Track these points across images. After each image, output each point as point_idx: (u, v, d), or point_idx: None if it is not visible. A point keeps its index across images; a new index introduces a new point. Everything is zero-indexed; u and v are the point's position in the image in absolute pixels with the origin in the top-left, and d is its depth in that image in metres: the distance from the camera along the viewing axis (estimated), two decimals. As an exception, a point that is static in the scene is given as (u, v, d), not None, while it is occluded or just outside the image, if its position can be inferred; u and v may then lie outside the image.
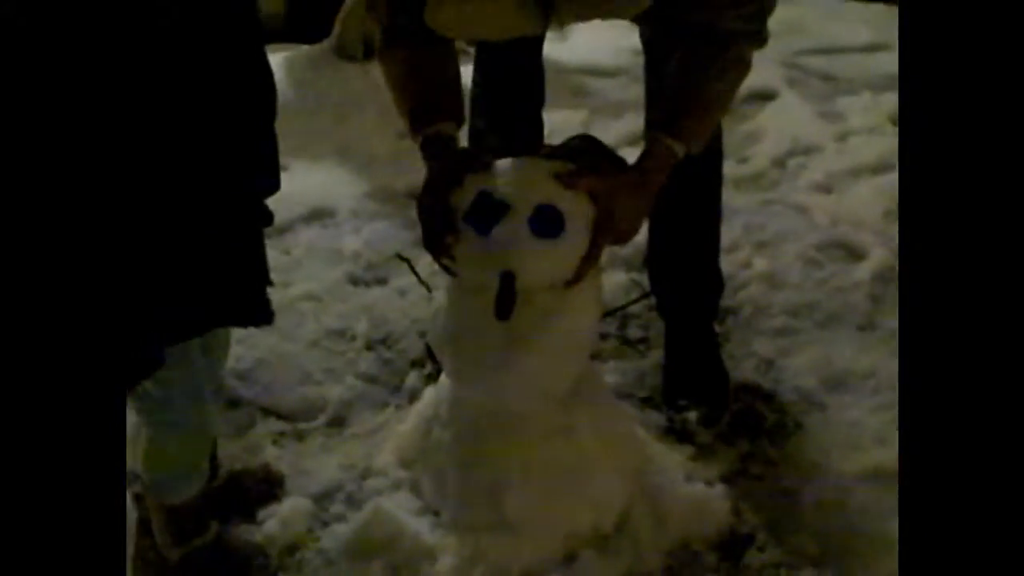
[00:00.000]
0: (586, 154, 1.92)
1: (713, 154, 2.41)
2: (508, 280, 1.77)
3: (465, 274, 1.90)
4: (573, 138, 2.03)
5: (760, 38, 1.87)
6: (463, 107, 2.00)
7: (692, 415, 2.36)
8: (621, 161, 1.93)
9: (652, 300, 2.64)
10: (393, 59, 1.93)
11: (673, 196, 2.39)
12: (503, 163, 1.89)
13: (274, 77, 1.73)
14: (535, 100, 2.76)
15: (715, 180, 2.42)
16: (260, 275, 1.85)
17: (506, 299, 1.77)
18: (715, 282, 2.52)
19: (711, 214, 2.46)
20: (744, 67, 1.89)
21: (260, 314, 1.86)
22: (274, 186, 1.80)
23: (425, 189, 1.87)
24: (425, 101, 1.91)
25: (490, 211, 1.81)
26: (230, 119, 1.64)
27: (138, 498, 2.03)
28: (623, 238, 1.89)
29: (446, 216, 1.84)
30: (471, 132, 2.55)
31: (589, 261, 1.83)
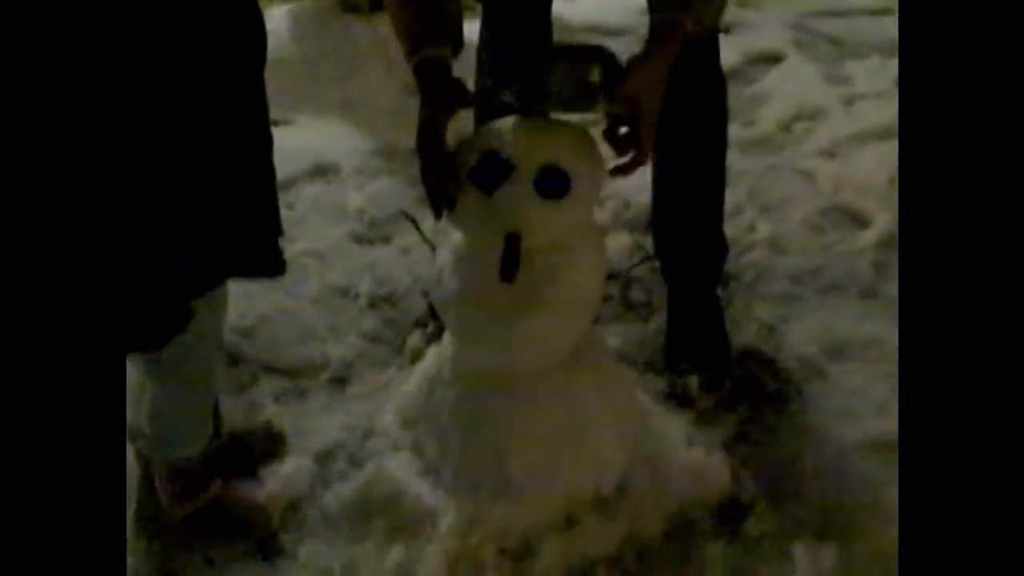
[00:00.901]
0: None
1: (719, 117, 2.40)
2: (513, 241, 1.77)
3: (469, 233, 1.90)
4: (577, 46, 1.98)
5: None
6: (461, 34, 1.97)
7: (693, 380, 2.36)
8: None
9: (655, 264, 2.64)
10: None
11: (678, 159, 2.40)
12: (510, 122, 1.88)
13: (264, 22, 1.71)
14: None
15: (720, 143, 2.42)
16: (272, 224, 1.85)
17: (511, 261, 1.77)
18: (719, 246, 2.52)
19: (716, 177, 2.45)
20: None
21: (273, 264, 1.85)
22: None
23: (421, 120, 1.82)
24: (422, 24, 1.87)
25: (495, 171, 1.81)
26: (226, 67, 1.63)
27: (140, 456, 2.04)
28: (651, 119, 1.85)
29: (448, 163, 1.82)
30: (478, 91, 2.53)
31: (642, 144, 1.82)
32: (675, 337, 2.47)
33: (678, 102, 2.35)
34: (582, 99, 1.79)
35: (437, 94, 1.82)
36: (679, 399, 2.33)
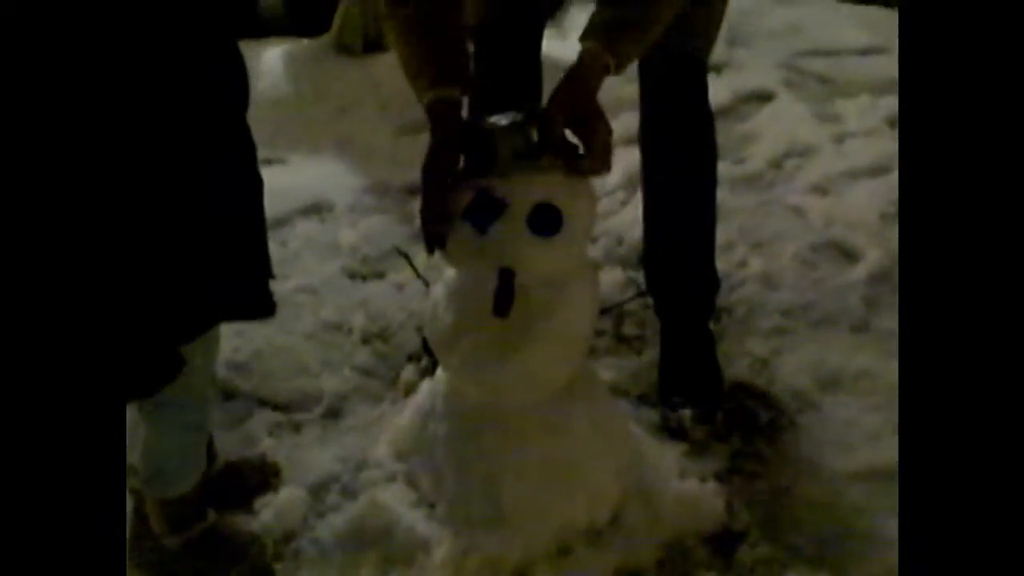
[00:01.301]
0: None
1: (708, 153, 2.42)
2: (507, 277, 1.78)
3: (462, 271, 1.91)
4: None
5: None
6: (468, 70, 1.99)
7: (687, 413, 2.36)
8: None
9: (648, 298, 2.65)
10: (397, 20, 1.91)
11: (669, 195, 2.42)
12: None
13: (244, 63, 1.72)
14: (532, 98, 2.76)
15: (711, 180, 2.44)
16: (262, 267, 1.86)
17: (505, 296, 1.78)
18: (710, 281, 2.53)
19: (707, 214, 2.47)
20: None
21: (263, 307, 1.86)
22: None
23: (431, 151, 1.84)
24: (433, 64, 1.88)
25: (489, 208, 1.82)
26: (211, 112, 1.65)
27: (133, 491, 2.04)
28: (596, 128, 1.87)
29: (445, 202, 1.83)
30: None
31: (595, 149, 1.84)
32: (668, 371, 2.48)
33: (667, 138, 2.38)
34: (528, 157, 1.83)
35: (446, 134, 1.84)
36: (672, 431, 2.34)
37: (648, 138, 2.40)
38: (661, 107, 2.31)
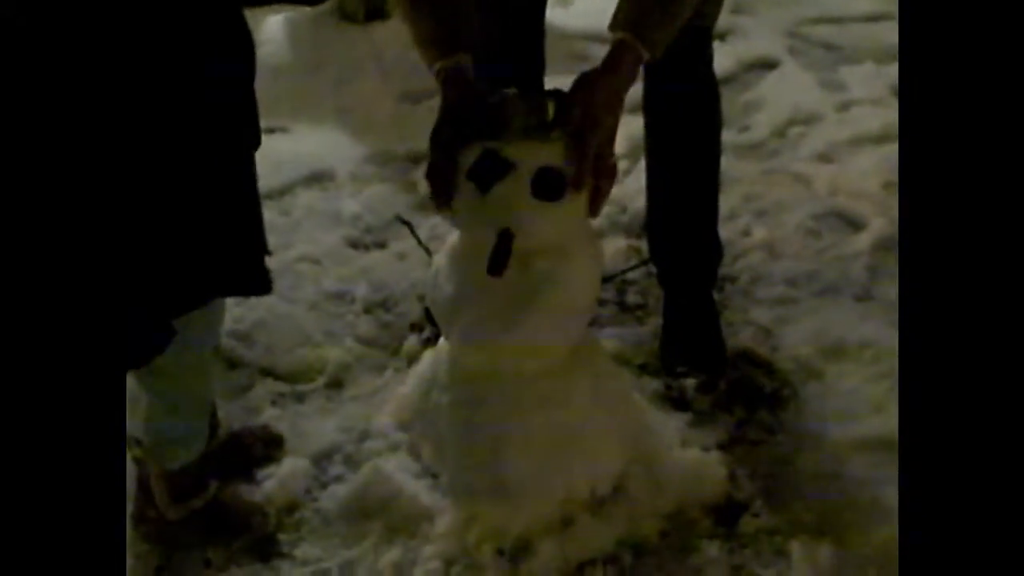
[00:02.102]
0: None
1: (713, 121, 2.41)
2: (505, 237, 1.78)
3: (464, 230, 1.92)
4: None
5: None
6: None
7: (689, 382, 2.37)
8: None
9: (651, 267, 2.65)
10: None
11: (673, 163, 2.40)
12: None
13: (252, 39, 1.71)
14: (535, 67, 2.74)
15: (714, 147, 2.42)
16: (258, 243, 1.85)
17: (500, 255, 1.77)
18: (714, 249, 2.52)
19: (709, 181, 2.46)
20: None
21: (259, 283, 1.86)
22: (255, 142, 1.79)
23: (442, 115, 1.84)
24: (440, 30, 1.88)
25: (493, 169, 1.82)
26: (215, 84, 1.63)
27: (137, 461, 2.04)
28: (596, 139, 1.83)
29: (453, 164, 1.82)
30: None
31: (582, 160, 1.79)
32: (670, 339, 2.48)
33: (671, 107, 2.37)
34: (538, 129, 1.82)
35: (456, 100, 1.84)
36: (675, 401, 2.34)
37: (652, 106, 2.39)
38: (666, 75, 2.29)
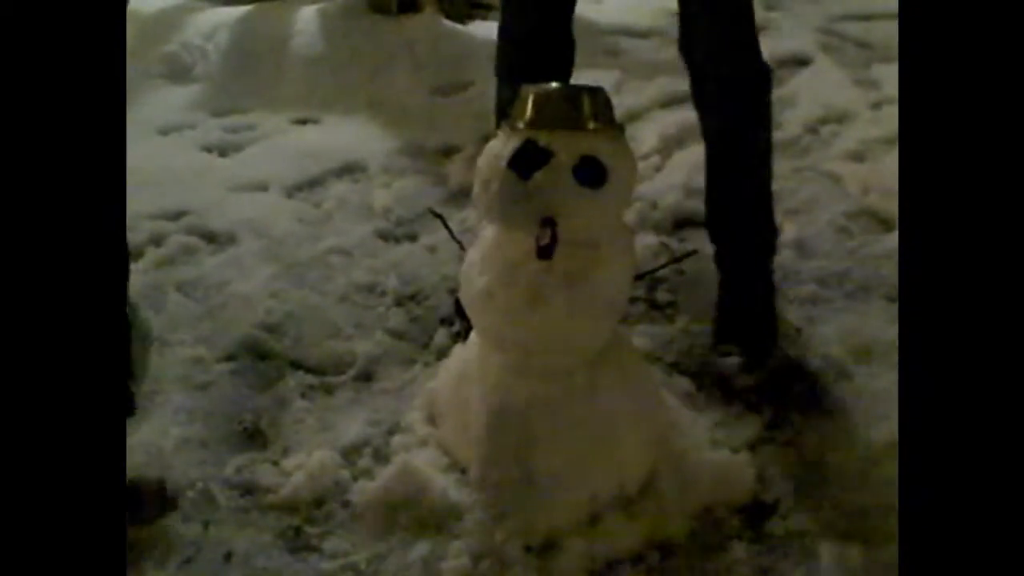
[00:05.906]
0: None
1: (766, 103, 2.52)
2: (550, 223, 1.79)
3: (504, 220, 1.92)
4: None
5: None
6: None
7: (734, 361, 2.39)
8: None
9: (681, 265, 2.65)
10: None
11: (730, 141, 2.49)
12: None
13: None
14: (563, 67, 2.71)
15: (767, 129, 2.54)
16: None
17: (549, 239, 1.79)
18: (770, 222, 2.56)
19: (765, 157, 2.54)
20: None
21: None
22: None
23: None
24: None
25: (534, 157, 1.83)
26: None
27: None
28: None
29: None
30: (498, 103, 2.52)
31: None
32: (722, 311, 2.50)
33: (727, 90, 2.38)
34: (571, 120, 1.87)
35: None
36: (704, 400, 2.33)
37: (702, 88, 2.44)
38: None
